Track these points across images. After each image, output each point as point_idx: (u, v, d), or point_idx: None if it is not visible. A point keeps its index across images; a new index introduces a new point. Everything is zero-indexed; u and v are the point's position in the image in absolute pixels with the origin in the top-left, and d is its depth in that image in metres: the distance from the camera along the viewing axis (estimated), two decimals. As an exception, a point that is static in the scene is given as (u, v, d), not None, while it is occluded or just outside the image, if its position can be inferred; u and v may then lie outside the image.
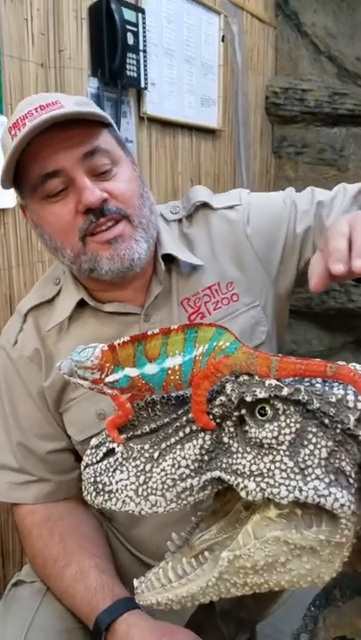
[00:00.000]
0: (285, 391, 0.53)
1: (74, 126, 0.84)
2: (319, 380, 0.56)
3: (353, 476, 0.52)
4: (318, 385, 0.56)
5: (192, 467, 0.55)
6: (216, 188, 2.53)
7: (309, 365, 0.53)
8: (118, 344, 0.59)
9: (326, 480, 0.52)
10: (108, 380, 0.59)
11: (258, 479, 0.53)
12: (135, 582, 0.63)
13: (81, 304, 0.96)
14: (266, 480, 0.53)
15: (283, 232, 0.99)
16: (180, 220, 1.03)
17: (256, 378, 0.55)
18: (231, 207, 1.01)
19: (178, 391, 0.59)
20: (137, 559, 1.05)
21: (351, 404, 0.53)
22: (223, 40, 2.39)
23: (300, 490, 0.52)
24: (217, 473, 0.55)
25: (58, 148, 0.83)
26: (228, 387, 0.55)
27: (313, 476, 0.52)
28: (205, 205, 1.02)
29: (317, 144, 2.90)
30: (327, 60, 2.84)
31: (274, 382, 0.54)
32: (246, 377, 0.55)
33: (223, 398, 0.55)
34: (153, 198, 0.96)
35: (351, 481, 0.52)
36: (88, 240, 0.87)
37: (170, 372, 0.57)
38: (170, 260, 0.96)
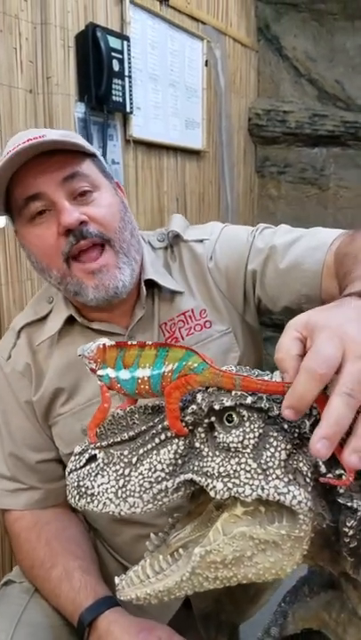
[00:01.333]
0: (249, 399, 0.58)
1: (57, 155, 0.90)
2: (280, 389, 0.62)
3: (309, 475, 0.57)
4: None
5: (167, 470, 0.60)
6: (201, 207, 2.60)
7: (269, 385, 0.58)
8: (108, 346, 0.65)
9: (286, 479, 0.57)
10: (97, 373, 0.65)
11: (225, 480, 0.58)
12: (116, 579, 0.67)
13: (70, 321, 1.01)
14: (232, 480, 0.58)
15: (242, 270, 1.02)
16: (165, 248, 1.08)
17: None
18: (201, 241, 1.06)
19: (152, 397, 0.65)
20: (121, 565, 1.09)
21: (307, 411, 0.59)
22: (206, 64, 2.47)
23: (263, 488, 0.57)
24: (189, 475, 0.60)
25: (40, 173, 0.89)
26: (199, 396, 0.60)
27: (274, 476, 0.57)
28: (178, 236, 1.06)
29: (299, 164, 2.98)
30: (308, 83, 2.92)
31: (239, 392, 0.59)
32: (215, 387, 0.61)
33: (195, 407, 0.60)
34: (135, 222, 1.01)
35: (308, 480, 0.57)
36: (72, 264, 0.92)
37: (140, 381, 0.62)
38: (154, 285, 1.01)
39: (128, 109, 1.95)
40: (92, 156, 0.96)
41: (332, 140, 2.89)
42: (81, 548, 1.02)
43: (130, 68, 1.93)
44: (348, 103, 2.87)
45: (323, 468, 0.57)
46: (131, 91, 1.95)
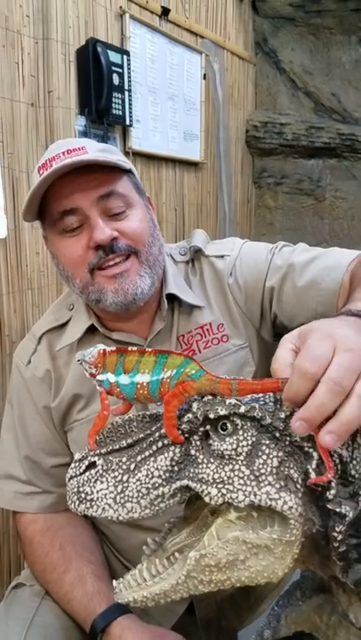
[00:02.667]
0: (243, 409, 0.61)
1: (95, 171, 0.91)
2: (272, 398, 0.65)
3: (300, 482, 0.60)
4: (270, 403, 0.64)
5: (164, 476, 0.63)
6: (199, 217, 2.63)
7: (264, 384, 0.61)
8: (108, 351, 0.67)
9: (277, 486, 0.59)
10: (97, 377, 0.67)
11: (219, 486, 0.60)
12: (114, 582, 0.70)
13: (91, 329, 1.04)
14: (226, 486, 0.60)
15: (260, 287, 1.04)
16: (187, 262, 1.10)
17: (218, 397, 0.63)
18: (222, 256, 1.08)
19: (151, 403, 0.67)
20: (127, 569, 1.11)
21: (298, 420, 0.62)
22: (205, 78, 2.52)
23: (255, 494, 0.59)
24: (185, 481, 0.62)
25: (77, 189, 0.91)
26: (195, 405, 0.63)
27: (266, 483, 0.59)
28: (200, 251, 1.09)
29: (295, 175, 3.02)
30: (304, 96, 2.97)
31: (233, 401, 0.62)
32: (210, 397, 0.63)
33: (190, 415, 0.63)
34: (163, 240, 1.04)
35: (298, 486, 0.60)
36: (96, 273, 0.94)
37: (139, 386, 0.64)
38: (174, 298, 1.03)
39: (128, 122, 1.98)
40: (127, 171, 0.98)
41: (329, 152, 2.93)
42: (94, 554, 1.03)
43: (130, 81, 1.96)
44: (343, 116, 2.91)
45: (313, 475, 0.59)
46: (130, 104, 1.98)
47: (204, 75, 2.51)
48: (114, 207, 0.94)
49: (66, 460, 1.08)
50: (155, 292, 1.01)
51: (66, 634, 0.95)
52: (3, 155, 1.57)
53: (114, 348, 0.67)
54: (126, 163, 0.97)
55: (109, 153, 0.96)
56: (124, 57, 1.94)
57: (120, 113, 1.93)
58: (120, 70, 1.91)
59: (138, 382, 0.64)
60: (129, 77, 1.96)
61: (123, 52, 1.94)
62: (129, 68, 1.96)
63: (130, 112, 1.99)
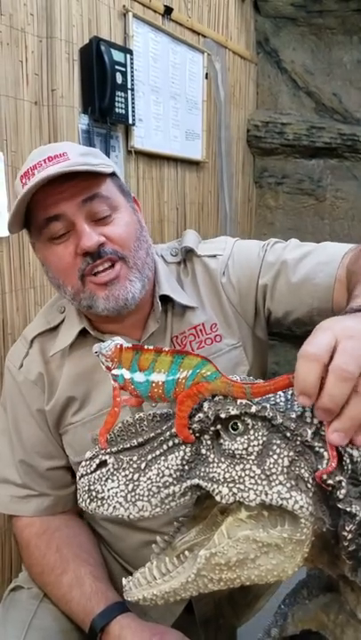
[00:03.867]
0: (254, 409, 0.61)
1: (78, 176, 0.91)
2: (282, 398, 0.65)
3: (310, 481, 0.60)
4: (281, 403, 0.64)
5: (174, 475, 0.63)
6: (200, 217, 2.63)
7: (276, 383, 0.61)
8: (125, 347, 0.67)
9: (288, 485, 0.60)
10: (112, 372, 0.67)
11: (230, 485, 0.61)
12: (124, 581, 0.70)
13: (83, 333, 1.03)
14: (237, 486, 0.61)
15: (254, 285, 1.04)
16: (178, 263, 1.10)
17: (230, 397, 0.64)
18: (214, 256, 1.08)
19: (164, 402, 0.67)
20: (125, 569, 1.11)
21: (309, 420, 0.62)
22: (207, 77, 2.51)
23: (266, 494, 0.60)
24: (196, 480, 0.63)
25: (61, 195, 0.91)
26: (206, 405, 0.63)
27: (277, 482, 0.60)
28: (192, 251, 1.09)
29: (296, 175, 3.02)
30: (305, 96, 2.97)
31: (244, 401, 0.62)
32: (221, 397, 0.64)
33: (201, 415, 0.63)
34: (150, 241, 1.04)
35: (309, 486, 0.60)
36: (87, 280, 0.94)
37: (154, 385, 0.65)
38: (167, 300, 1.03)
39: (130, 121, 1.98)
40: (111, 174, 0.98)
41: (330, 152, 2.93)
42: (91, 554, 1.03)
43: (132, 80, 1.96)
44: (345, 116, 2.92)
45: (323, 475, 0.60)
46: (133, 103, 1.98)
47: (206, 74, 2.51)
48: (99, 211, 0.94)
49: (61, 462, 1.09)
50: (147, 293, 1.01)
51: (65, 636, 0.95)
52: (6, 153, 1.57)
53: (130, 345, 0.67)
54: (108, 166, 0.97)
55: (92, 157, 0.96)
56: (128, 56, 1.94)
57: (123, 112, 1.93)
58: (123, 69, 1.91)
59: (153, 381, 0.65)
60: (132, 76, 1.96)
61: (126, 50, 1.94)
62: (132, 67, 1.96)
63: (133, 111, 1.99)
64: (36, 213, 0.94)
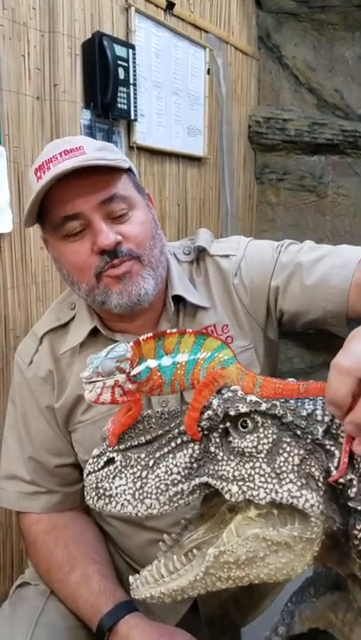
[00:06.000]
0: (264, 406, 0.61)
1: (95, 172, 0.89)
2: (293, 396, 0.65)
3: (321, 480, 0.60)
4: (292, 401, 0.64)
5: (183, 473, 0.63)
6: (202, 213, 2.63)
7: (286, 386, 0.61)
8: (143, 339, 0.67)
9: (298, 483, 0.59)
10: (133, 372, 0.67)
11: (240, 483, 0.60)
12: (131, 579, 0.69)
13: (94, 331, 1.02)
14: (247, 484, 0.60)
15: (266, 286, 1.03)
16: (191, 262, 1.09)
17: (239, 394, 0.63)
18: (227, 256, 1.06)
19: (179, 391, 0.67)
20: (131, 567, 1.11)
21: (319, 418, 0.62)
22: (209, 73, 2.50)
23: (276, 492, 0.59)
24: (205, 478, 0.63)
25: (78, 193, 0.90)
26: (215, 402, 0.63)
27: (287, 480, 0.60)
28: (204, 250, 1.07)
29: (298, 171, 3.01)
30: (307, 92, 2.96)
31: (254, 398, 0.62)
32: (230, 394, 0.63)
33: (210, 412, 0.63)
34: (165, 239, 1.03)
35: (320, 484, 0.60)
36: (102, 276, 0.93)
37: (179, 365, 0.65)
38: (180, 299, 1.02)
39: (132, 117, 1.97)
40: (127, 169, 0.96)
41: (331, 149, 2.92)
42: (98, 552, 1.03)
43: (135, 75, 1.95)
44: (346, 112, 2.91)
45: (334, 473, 0.60)
46: (135, 98, 1.97)
47: (208, 69, 2.50)
48: (116, 210, 0.93)
49: (70, 460, 1.08)
50: (159, 293, 1.00)
51: (72, 633, 0.95)
52: (8, 148, 1.56)
53: (145, 337, 0.67)
54: (125, 161, 0.96)
55: (108, 152, 0.94)
56: (130, 51, 1.92)
57: (125, 107, 1.92)
58: (125, 64, 1.90)
59: (178, 362, 0.65)
60: (134, 72, 1.95)
61: (128, 45, 1.93)
62: (134, 63, 1.95)
63: (135, 106, 1.98)
64: (51, 210, 0.92)
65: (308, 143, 2.91)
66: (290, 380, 0.65)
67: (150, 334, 0.67)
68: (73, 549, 1.00)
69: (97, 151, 0.92)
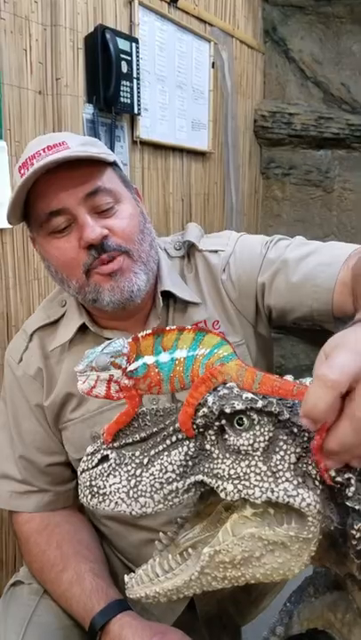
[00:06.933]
0: (260, 403, 0.59)
1: (78, 166, 0.89)
2: (290, 393, 0.63)
3: (318, 478, 0.58)
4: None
5: (177, 471, 0.61)
6: (206, 208, 2.61)
7: (283, 384, 0.60)
8: (141, 336, 0.66)
9: (295, 482, 0.58)
10: (130, 367, 0.65)
11: (235, 482, 0.59)
12: (126, 578, 0.68)
13: (83, 328, 1.02)
14: (242, 482, 0.59)
15: (253, 282, 1.02)
16: (182, 257, 1.07)
17: (235, 391, 0.62)
18: (215, 251, 1.05)
19: (179, 389, 0.65)
20: (127, 567, 1.10)
21: (317, 416, 0.60)
22: (213, 66, 2.49)
23: (272, 491, 0.58)
24: (200, 477, 0.61)
25: (62, 187, 0.89)
26: (210, 399, 0.61)
27: (283, 479, 0.58)
28: (193, 246, 1.06)
29: (304, 166, 2.99)
30: (313, 85, 2.93)
31: (250, 395, 0.60)
32: (226, 391, 0.62)
33: (205, 410, 0.61)
34: (154, 233, 1.01)
35: (317, 483, 0.58)
36: (92, 273, 0.92)
37: (177, 362, 0.64)
38: (169, 295, 1.01)
39: (136, 111, 1.96)
40: (112, 163, 0.96)
41: (338, 143, 2.90)
42: (92, 551, 1.02)
43: (138, 69, 1.94)
44: (353, 106, 2.88)
45: (333, 472, 0.58)
46: (139, 92, 1.96)
47: (213, 63, 2.48)
48: (102, 204, 0.91)
49: (61, 458, 1.07)
50: (150, 288, 0.99)
51: (65, 632, 0.94)
52: (10, 143, 1.55)
53: (143, 334, 0.66)
54: (110, 155, 0.95)
55: (92, 146, 0.93)
56: (133, 44, 1.91)
57: (128, 101, 1.91)
58: (129, 58, 1.89)
59: (177, 358, 0.64)
60: (137, 65, 1.93)
61: (132, 39, 1.91)
62: (138, 56, 1.93)
63: (138, 100, 1.96)
64: (36, 207, 0.91)
65: (314, 137, 2.89)
66: (287, 377, 0.63)
67: (149, 331, 0.66)
68: (65, 548, 0.99)
69: (80, 146, 0.91)
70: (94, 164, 0.91)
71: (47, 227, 0.92)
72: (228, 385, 0.63)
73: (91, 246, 0.90)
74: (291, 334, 2.95)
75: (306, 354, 3.04)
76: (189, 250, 1.07)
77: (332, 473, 0.58)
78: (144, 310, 1.01)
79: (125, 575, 0.69)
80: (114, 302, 0.93)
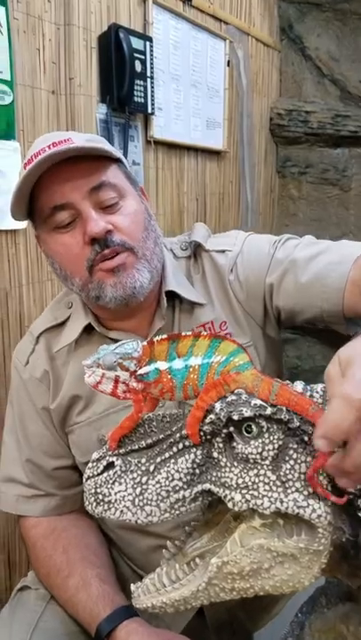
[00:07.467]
0: (269, 410, 0.58)
1: (83, 161, 0.88)
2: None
3: (329, 489, 0.57)
4: (299, 405, 0.60)
5: (184, 479, 0.60)
6: (221, 208, 2.59)
7: (300, 400, 0.58)
8: (157, 340, 0.64)
9: (305, 493, 0.56)
10: (140, 371, 0.64)
11: (243, 491, 0.58)
12: (132, 587, 0.67)
13: (89, 329, 1.00)
14: (251, 492, 0.57)
15: (261, 283, 0.99)
16: (188, 257, 1.06)
17: (243, 398, 0.60)
18: (223, 251, 1.03)
19: (193, 397, 0.64)
20: (136, 573, 1.09)
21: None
22: (229, 64, 2.46)
23: (281, 501, 0.56)
24: (207, 485, 0.60)
25: (66, 182, 0.88)
26: (218, 406, 0.60)
27: (293, 489, 0.56)
28: (200, 246, 1.05)
29: (320, 164, 2.95)
30: (330, 83, 2.90)
31: (259, 402, 0.58)
32: (234, 397, 0.60)
33: (213, 416, 0.60)
34: (159, 231, 1.00)
35: (328, 494, 0.57)
36: (95, 269, 0.91)
37: (191, 369, 0.62)
38: (175, 296, 1.00)
39: (150, 110, 1.95)
40: (117, 160, 0.95)
41: (355, 141, 2.86)
42: (99, 556, 1.01)
43: (152, 68, 1.92)
44: (371, 104, 2.84)
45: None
46: (152, 91, 1.95)
47: (228, 61, 2.46)
48: (106, 199, 0.91)
49: (68, 462, 1.06)
50: (154, 288, 0.97)
51: (71, 639, 0.93)
52: (23, 143, 1.55)
53: (159, 338, 0.64)
54: (115, 151, 0.94)
55: (96, 142, 0.93)
56: (147, 43, 1.90)
57: (142, 101, 1.89)
58: (142, 57, 1.87)
59: (191, 365, 0.63)
60: (151, 64, 1.92)
61: (145, 38, 1.90)
62: (152, 55, 1.92)
63: (152, 100, 1.95)
64: (40, 202, 0.91)
65: (331, 135, 2.86)
66: (297, 383, 0.61)
67: (165, 336, 0.65)
68: (72, 553, 0.98)
69: (85, 142, 0.90)
70: (99, 160, 0.91)
71: (51, 222, 0.91)
72: (236, 391, 0.61)
73: (94, 241, 0.89)
74: (307, 335, 2.92)
75: (322, 355, 3.00)
76: (196, 250, 1.06)
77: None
78: (149, 310, 1.00)
79: (132, 584, 0.68)
80: (116, 298, 0.91)
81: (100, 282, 0.91)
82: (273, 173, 3.05)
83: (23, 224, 1.54)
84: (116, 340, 0.97)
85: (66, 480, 1.06)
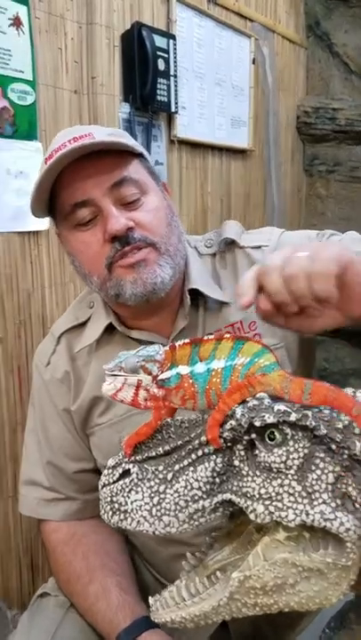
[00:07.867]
0: (293, 417, 0.54)
1: (104, 157, 0.86)
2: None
3: (359, 501, 0.53)
4: (326, 411, 0.57)
5: (204, 489, 0.57)
6: (246, 207, 2.55)
7: (340, 396, 0.54)
8: (179, 344, 0.62)
9: (333, 505, 0.53)
10: (161, 376, 0.62)
11: (266, 502, 0.54)
12: (150, 600, 0.64)
13: (110, 328, 0.98)
14: (274, 503, 0.54)
15: None
16: (213, 255, 1.03)
17: (265, 403, 0.57)
18: (258, 247, 1.00)
19: (217, 404, 0.61)
20: (158, 581, 1.06)
21: (358, 431, 0.54)
22: (254, 62, 2.42)
23: (307, 514, 0.53)
24: (228, 495, 0.57)
25: (87, 178, 0.86)
26: (238, 411, 0.56)
27: (320, 501, 0.53)
28: (233, 243, 1.01)
29: (349, 162, 2.90)
30: (358, 80, 2.85)
31: (283, 407, 0.55)
32: (256, 402, 0.57)
33: (233, 422, 0.56)
34: (183, 227, 0.97)
35: (357, 506, 0.53)
36: (114, 266, 0.89)
37: (213, 373, 0.60)
38: (199, 294, 0.97)
39: (173, 109, 1.92)
40: (139, 155, 0.93)
41: (384, 138, 2.80)
42: (119, 564, 0.98)
43: (175, 67, 1.90)
44: None
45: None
46: (176, 90, 1.92)
47: (254, 59, 2.42)
48: (128, 195, 0.88)
49: (89, 465, 1.04)
50: (177, 286, 0.95)
51: None
52: (45, 144, 1.54)
53: (181, 343, 0.62)
54: (137, 146, 0.92)
55: (118, 136, 0.90)
56: (170, 41, 1.87)
57: (165, 99, 1.87)
58: (166, 55, 1.85)
59: (213, 369, 0.60)
60: (175, 63, 1.90)
61: (169, 36, 1.88)
62: (175, 53, 1.89)
63: (175, 98, 1.92)
64: (61, 198, 0.89)
65: (359, 132, 2.80)
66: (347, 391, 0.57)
67: (187, 340, 0.62)
68: (92, 560, 0.96)
69: (106, 136, 0.88)
70: (121, 155, 0.89)
71: (72, 219, 0.89)
72: (258, 395, 0.58)
73: (115, 239, 0.87)
74: (337, 337, 2.86)
75: (352, 357, 2.94)
76: (227, 247, 1.02)
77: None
78: (171, 308, 0.97)
79: (150, 597, 0.65)
80: (136, 295, 0.88)
81: (119, 279, 0.89)
82: (300, 172, 3.00)
83: (45, 225, 1.53)
84: (138, 340, 0.95)
85: (87, 484, 1.04)
